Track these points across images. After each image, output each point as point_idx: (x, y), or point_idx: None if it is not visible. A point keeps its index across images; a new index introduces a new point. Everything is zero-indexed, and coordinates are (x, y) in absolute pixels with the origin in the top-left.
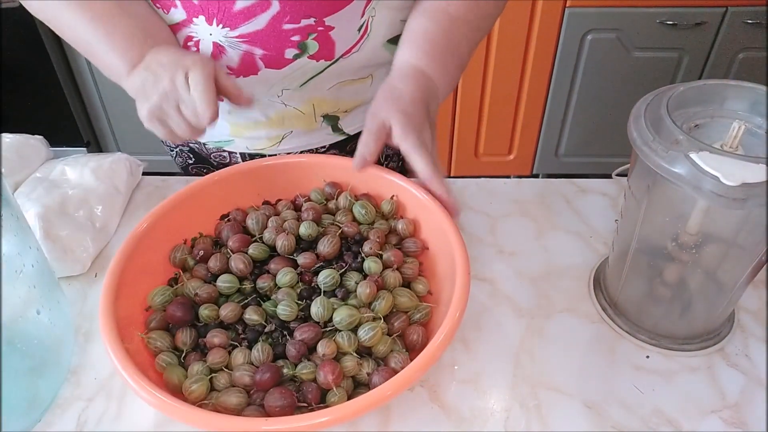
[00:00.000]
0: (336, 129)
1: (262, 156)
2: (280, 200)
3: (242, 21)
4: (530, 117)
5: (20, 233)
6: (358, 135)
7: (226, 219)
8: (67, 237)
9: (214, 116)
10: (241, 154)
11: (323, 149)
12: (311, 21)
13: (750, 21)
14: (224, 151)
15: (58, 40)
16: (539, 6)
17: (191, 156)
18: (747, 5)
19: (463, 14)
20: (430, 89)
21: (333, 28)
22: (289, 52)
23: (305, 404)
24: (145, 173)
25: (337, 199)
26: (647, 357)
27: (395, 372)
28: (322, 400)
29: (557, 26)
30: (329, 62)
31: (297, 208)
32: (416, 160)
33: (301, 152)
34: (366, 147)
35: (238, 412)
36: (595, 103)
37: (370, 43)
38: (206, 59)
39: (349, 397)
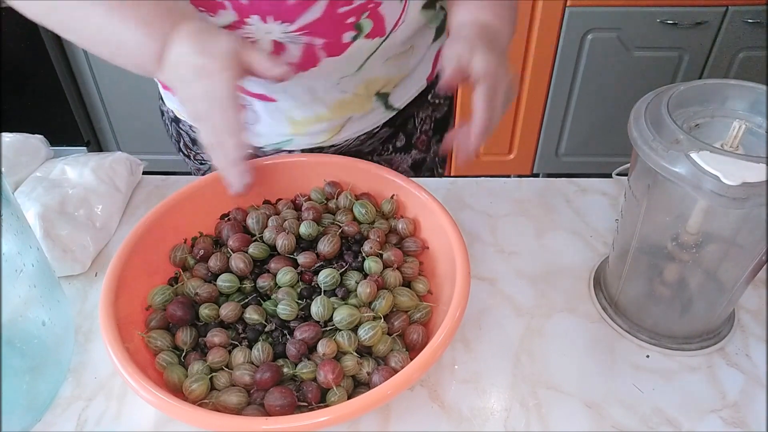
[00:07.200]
0: (387, 106)
1: (321, 149)
2: (280, 200)
3: (299, 13)
4: (530, 117)
5: (20, 233)
6: (405, 109)
7: (226, 218)
8: (67, 236)
9: (245, 147)
10: (301, 150)
11: (377, 129)
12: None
13: (750, 20)
14: (283, 151)
15: (58, 40)
16: (539, 6)
17: None
18: (747, 5)
19: None
20: (488, 27)
21: (381, 3)
22: (347, 36)
23: (305, 404)
24: (145, 173)
25: (337, 199)
26: (647, 356)
27: (395, 371)
28: (322, 400)
29: (557, 26)
30: (382, 38)
31: (297, 208)
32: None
33: (358, 137)
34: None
35: (238, 411)
36: (595, 102)
37: (410, 13)
38: (229, 55)
39: (349, 397)
